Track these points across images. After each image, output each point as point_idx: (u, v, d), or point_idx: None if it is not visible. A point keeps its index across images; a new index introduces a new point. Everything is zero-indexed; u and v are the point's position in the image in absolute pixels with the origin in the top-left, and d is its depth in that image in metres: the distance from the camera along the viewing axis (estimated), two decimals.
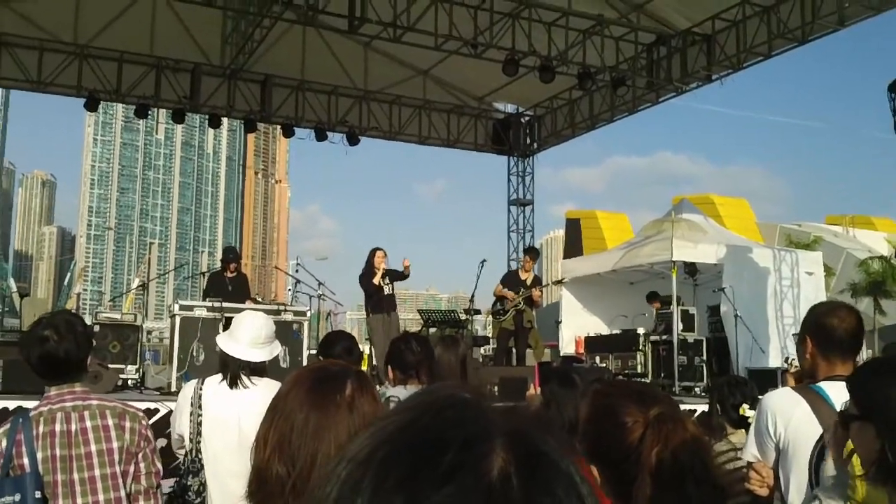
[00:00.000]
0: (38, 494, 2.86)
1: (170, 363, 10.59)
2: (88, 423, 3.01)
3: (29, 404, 6.96)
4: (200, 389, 3.78)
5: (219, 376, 3.78)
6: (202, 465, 3.64)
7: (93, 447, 2.99)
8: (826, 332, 2.98)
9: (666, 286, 13.73)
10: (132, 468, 3.08)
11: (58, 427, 2.98)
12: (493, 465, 0.59)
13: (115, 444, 3.03)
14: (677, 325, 12.77)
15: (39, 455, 2.93)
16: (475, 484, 0.57)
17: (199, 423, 3.71)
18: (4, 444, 2.94)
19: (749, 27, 14.12)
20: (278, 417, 1.59)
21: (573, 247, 39.50)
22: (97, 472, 2.98)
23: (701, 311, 13.72)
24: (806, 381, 3.09)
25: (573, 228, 43.23)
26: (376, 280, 11.43)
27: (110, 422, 3.05)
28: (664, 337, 13.00)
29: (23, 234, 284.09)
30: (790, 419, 2.87)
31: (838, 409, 2.80)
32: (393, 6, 13.06)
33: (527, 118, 20.46)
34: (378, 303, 11.59)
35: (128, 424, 3.09)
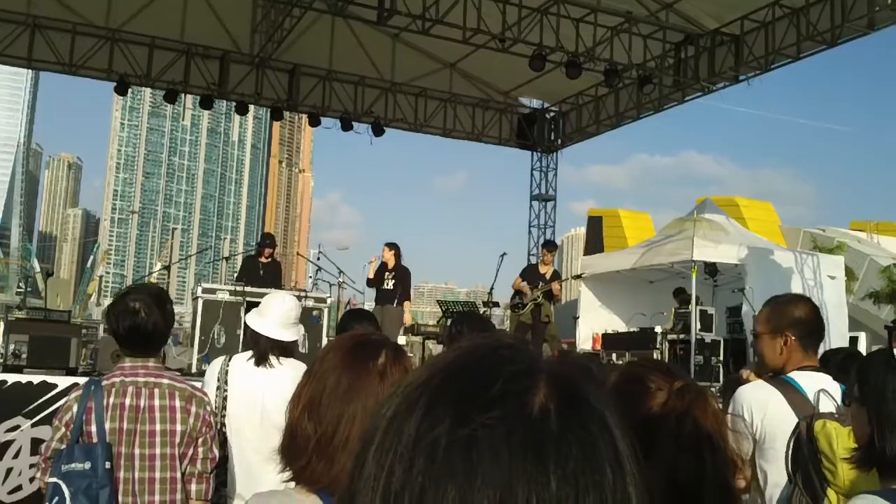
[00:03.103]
0: (107, 465, 2.93)
1: (191, 345, 10.74)
2: (157, 402, 3.09)
3: (56, 380, 7.12)
4: (228, 366, 3.87)
5: (247, 354, 3.85)
6: (226, 439, 3.73)
7: (157, 426, 3.07)
8: (807, 324, 3.05)
9: (685, 286, 13.73)
10: (191, 451, 3.14)
11: (128, 401, 3.05)
12: (536, 398, 0.66)
13: (178, 427, 3.10)
14: (695, 325, 12.77)
15: (107, 425, 3.00)
16: (518, 411, 0.65)
17: (225, 399, 3.80)
18: (76, 409, 3.03)
19: (778, 28, 14.04)
20: (313, 377, 1.67)
21: (594, 245, 39.31)
22: (157, 451, 3.06)
23: (720, 312, 13.69)
24: (768, 375, 3.12)
25: (595, 226, 43.01)
26: (371, 273, 12.13)
27: (178, 403, 3.12)
28: (682, 336, 13.00)
29: (48, 216, 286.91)
30: (766, 411, 2.93)
31: (811, 397, 2.85)
32: None
33: (552, 114, 20.45)
34: (377, 295, 12.19)
35: (193, 409, 3.15)
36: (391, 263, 12.05)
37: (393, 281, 11.99)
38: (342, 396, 1.61)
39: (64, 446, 2.98)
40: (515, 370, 0.68)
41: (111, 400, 3.04)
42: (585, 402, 0.68)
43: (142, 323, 3.09)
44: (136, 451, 3.04)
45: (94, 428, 2.99)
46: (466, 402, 0.65)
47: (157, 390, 3.11)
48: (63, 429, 3.02)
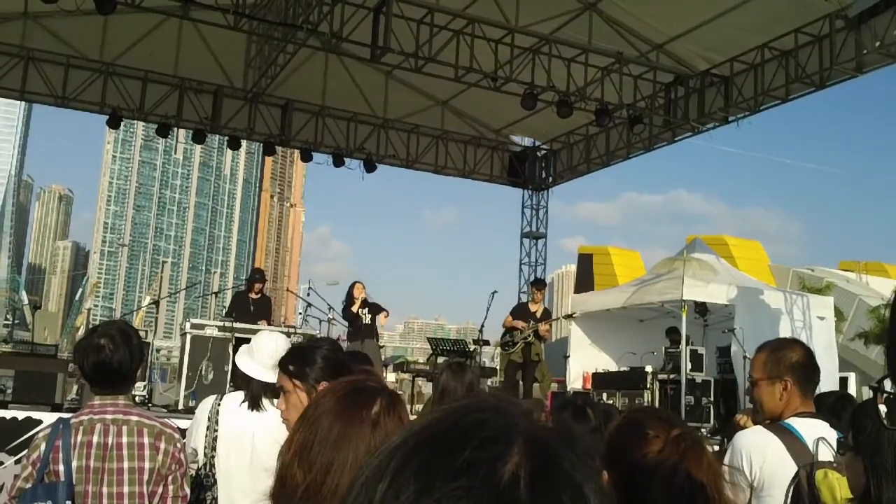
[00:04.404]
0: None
1: (178, 381, 10.65)
2: (125, 439, 3.05)
3: (41, 416, 7.03)
4: (219, 405, 3.80)
5: (239, 395, 3.77)
6: (215, 480, 3.66)
7: (125, 464, 3.03)
8: (804, 368, 3.03)
9: (676, 325, 13.71)
10: (160, 489, 3.10)
11: (95, 438, 3.02)
12: (506, 466, 0.63)
13: (146, 465, 3.06)
14: (686, 365, 12.73)
15: (74, 464, 2.96)
16: (485, 480, 0.62)
17: (215, 439, 3.73)
18: (43, 448, 2.99)
19: (767, 70, 14.18)
20: (306, 422, 1.63)
21: (585, 282, 39.38)
22: (125, 489, 3.02)
23: (710, 352, 13.67)
24: (768, 421, 3.10)
25: (585, 264, 43.13)
26: (354, 308, 12.29)
27: (146, 441, 3.08)
28: (672, 376, 12.95)
29: (37, 248, 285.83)
30: (765, 458, 2.89)
31: (810, 444, 2.83)
32: (415, 37, 13.22)
33: (543, 152, 20.56)
34: (355, 331, 12.31)
35: (162, 446, 3.12)
36: (362, 299, 12.40)
37: (370, 315, 12.30)
38: (333, 444, 1.57)
39: (30, 485, 2.94)
40: (487, 436, 0.65)
41: (79, 438, 3.00)
42: (560, 470, 0.65)
43: (107, 359, 3.06)
44: (104, 489, 2.99)
45: (61, 467, 2.95)
46: (432, 470, 0.63)
47: (125, 427, 3.07)
48: (30, 468, 2.98)
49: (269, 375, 3.72)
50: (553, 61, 14.25)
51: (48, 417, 7.00)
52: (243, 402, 3.74)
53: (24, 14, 14.88)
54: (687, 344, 13.02)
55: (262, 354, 3.73)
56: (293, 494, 1.57)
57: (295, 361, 2.83)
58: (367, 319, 12.30)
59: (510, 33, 13.82)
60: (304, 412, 1.69)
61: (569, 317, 15.50)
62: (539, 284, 13.85)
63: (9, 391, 7.90)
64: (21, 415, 7.23)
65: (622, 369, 14.28)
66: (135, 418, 3.13)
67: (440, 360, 12.86)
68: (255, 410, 3.71)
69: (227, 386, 9.60)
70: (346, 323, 12.73)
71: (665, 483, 1.60)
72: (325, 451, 1.57)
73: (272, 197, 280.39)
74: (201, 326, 10.60)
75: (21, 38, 15.43)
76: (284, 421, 2.85)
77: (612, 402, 13.39)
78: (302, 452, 1.59)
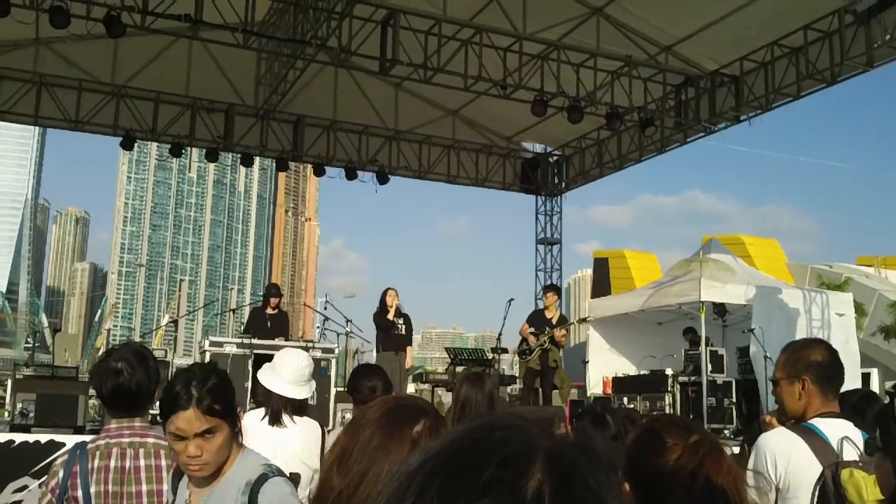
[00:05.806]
0: None
1: None
2: (143, 462, 3.04)
3: (63, 438, 7.07)
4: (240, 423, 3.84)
5: (260, 411, 3.82)
6: None
7: (143, 487, 3.02)
8: (824, 368, 3.00)
9: (695, 326, 13.65)
10: None
11: (113, 462, 3.00)
12: (530, 483, 0.63)
13: (165, 486, 3.03)
14: (706, 367, 12.66)
15: (93, 489, 2.95)
16: (509, 498, 0.62)
17: None
18: (61, 474, 2.98)
19: (777, 68, 14.14)
20: (350, 430, 1.65)
21: (601, 287, 39.23)
22: None
23: (730, 353, 13.59)
24: (792, 422, 3.08)
25: (601, 268, 42.91)
26: (390, 316, 11.78)
27: (163, 462, 3.06)
28: (693, 378, 12.89)
29: (55, 271, 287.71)
30: (790, 459, 2.87)
31: (834, 444, 2.81)
32: (423, 48, 13.25)
33: (555, 158, 20.55)
34: (389, 340, 11.88)
35: None
36: (396, 306, 11.95)
37: (404, 326, 11.93)
38: (371, 454, 1.59)
39: None
40: (509, 453, 0.65)
41: (96, 463, 2.99)
42: (583, 485, 0.66)
43: (125, 382, 3.04)
44: None
45: (79, 493, 2.94)
46: (456, 489, 0.63)
47: (142, 450, 3.06)
48: (49, 495, 2.97)
49: (291, 391, 3.79)
50: (562, 67, 14.25)
51: (71, 440, 7.04)
52: (264, 417, 3.78)
53: (36, 40, 15.02)
54: (707, 345, 12.95)
55: (284, 370, 3.79)
56: (326, 499, 1.58)
57: (220, 399, 2.63)
58: (401, 330, 11.92)
59: (518, 41, 13.83)
60: (352, 420, 1.71)
61: (583, 321, 15.44)
62: (550, 290, 13.75)
63: (31, 415, 7.94)
64: (44, 438, 7.28)
65: (642, 373, 14.21)
66: (151, 440, 3.12)
67: (459, 369, 12.82)
68: (275, 426, 3.74)
69: (248, 402, 9.62)
70: (364, 337, 12.61)
71: (685, 491, 1.60)
72: (363, 460, 1.58)
73: (287, 212, 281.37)
74: (220, 344, 10.64)
75: (33, 63, 15.59)
76: (204, 466, 2.56)
77: (633, 406, 13.34)
78: (342, 458, 1.61)
